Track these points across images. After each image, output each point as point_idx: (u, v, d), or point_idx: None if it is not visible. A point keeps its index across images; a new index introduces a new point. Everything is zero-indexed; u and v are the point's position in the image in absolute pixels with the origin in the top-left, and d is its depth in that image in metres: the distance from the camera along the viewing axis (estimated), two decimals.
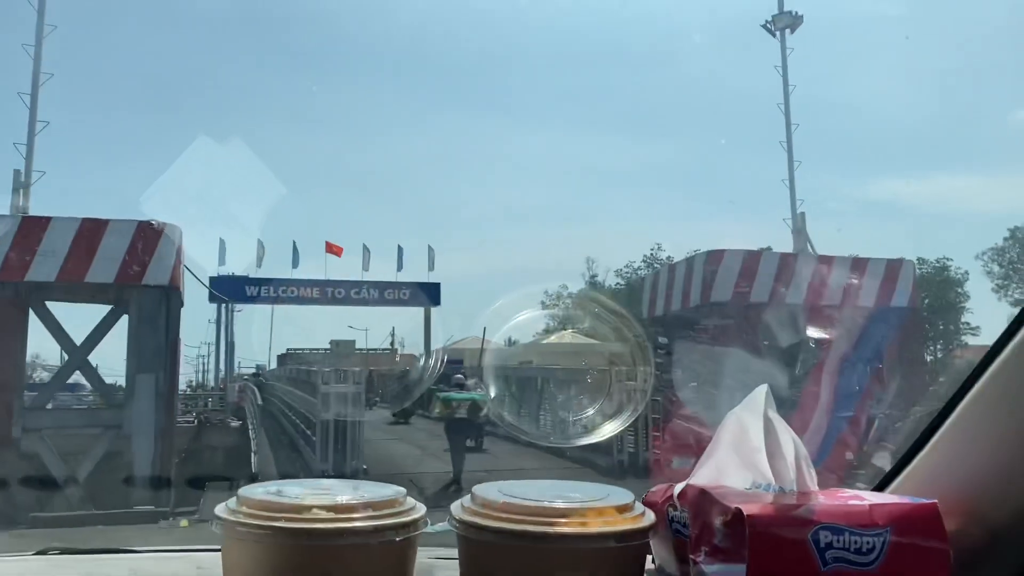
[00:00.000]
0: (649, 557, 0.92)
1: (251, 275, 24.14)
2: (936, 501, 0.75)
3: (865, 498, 0.78)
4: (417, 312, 25.78)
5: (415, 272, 25.53)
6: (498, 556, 0.78)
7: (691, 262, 14.26)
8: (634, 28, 43.90)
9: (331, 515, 0.75)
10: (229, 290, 24.04)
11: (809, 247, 18.33)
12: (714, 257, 13.46)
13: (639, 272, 32.12)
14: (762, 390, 0.85)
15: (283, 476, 10.57)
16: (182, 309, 11.82)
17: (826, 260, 13.45)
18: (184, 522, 7.44)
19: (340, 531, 0.75)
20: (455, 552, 0.84)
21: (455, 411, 9.91)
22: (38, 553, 0.99)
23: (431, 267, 26.37)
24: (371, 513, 0.77)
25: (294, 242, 25.21)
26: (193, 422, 12.93)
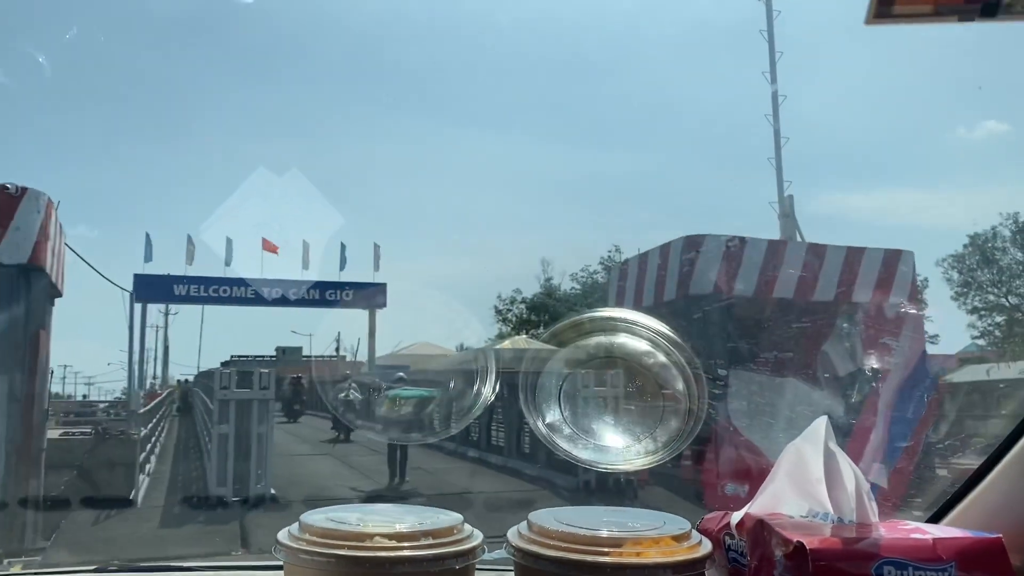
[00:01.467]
0: None
1: (181, 273, 25.09)
2: (1000, 535, 0.86)
3: (927, 531, 0.89)
4: (363, 316, 26.99)
5: (359, 273, 26.73)
6: None
7: (666, 250, 14.08)
8: (591, 39, 48.53)
9: (392, 543, 0.88)
10: (154, 289, 25.94)
11: (798, 234, 17.88)
12: (692, 243, 13.18)
13: (595, 276, 33.52)
14: (822, 421, 0.97)
15: (170, 502, 10.19)
16: (59, 299, 11.39)
17: (818, 249, 13.39)
18: (16, 567, 6.83)
19: (400, 559, 0.86)
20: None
21: (400, 408, 10.36)
22: (97, 570, 1.13)
23: (376, 267, 27.39)
24: (430, 541, 0.89)
25: (227, 239, 26.20)
26: (90, 434, 12.68)
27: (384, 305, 26.07)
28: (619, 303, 15.80)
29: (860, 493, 0.92)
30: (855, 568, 0.82)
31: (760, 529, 0.93)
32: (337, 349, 34.43)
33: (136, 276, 24.89)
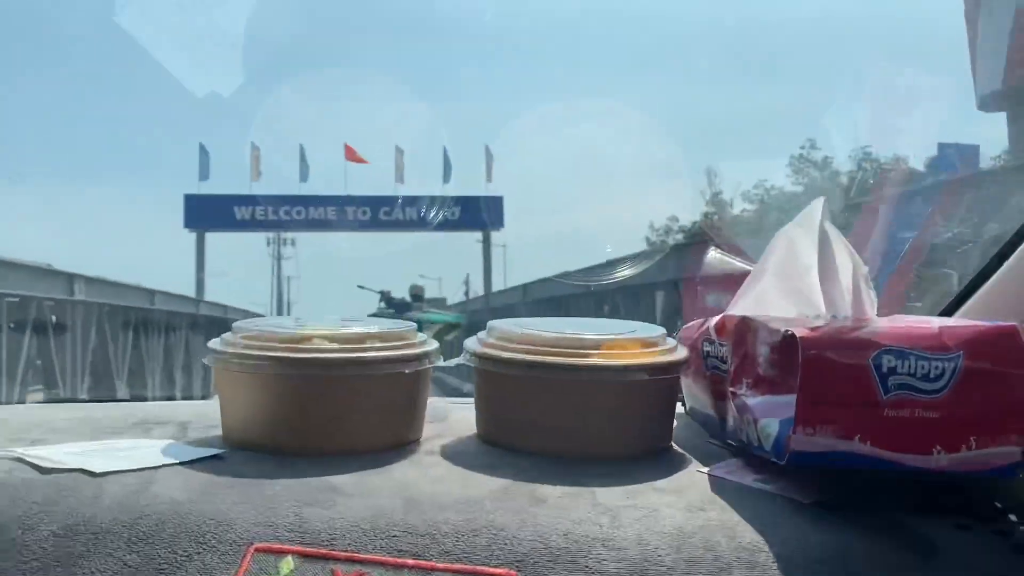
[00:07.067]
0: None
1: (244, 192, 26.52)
2: (1016, 324, 0.97)
3: (932, 322, 1.00)
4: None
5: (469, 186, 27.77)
6: (520, 390, 1.04)
7: None
8: None
9: (334, 345, 1.00)
10: (211, 213, 25.98)
11: None
12: None
13: (773, 192, 33.72)
14: (819, 202, 1.09)
15: None
16: None
17: None
18: None
19: (343, 361, 0.99)
20: (470, 398, 1.11)
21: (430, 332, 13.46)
22: (47, 401, 1.42)
23: (489, 177, 27.88)
24: (378, 344, 1.03)
25: (301, 147, 27.06)
26: None
27: (501, 225, 26.75)
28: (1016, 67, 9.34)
29: (857, 282, 1.06)
30: (850, 358, 0.96)
31: (743, 327, 1.06)
32: (467, 293, 36.16)
33: (187, 197, 25.80)
